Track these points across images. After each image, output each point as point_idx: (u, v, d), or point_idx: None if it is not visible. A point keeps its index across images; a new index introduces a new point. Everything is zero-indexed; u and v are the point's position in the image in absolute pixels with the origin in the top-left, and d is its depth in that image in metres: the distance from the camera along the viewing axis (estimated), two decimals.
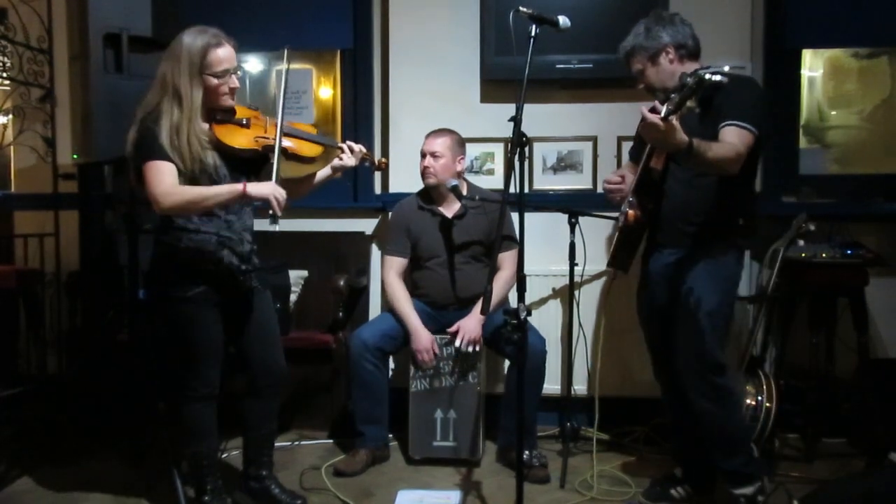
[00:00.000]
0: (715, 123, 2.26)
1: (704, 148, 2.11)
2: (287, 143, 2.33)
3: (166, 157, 2.17)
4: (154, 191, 2.16)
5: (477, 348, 2.93)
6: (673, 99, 1.99)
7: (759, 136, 2.27)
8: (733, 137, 2.22)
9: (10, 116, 3.65)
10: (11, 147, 3.70)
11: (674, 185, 2.44)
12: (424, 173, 3.03)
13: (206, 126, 2.28)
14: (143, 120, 2.22)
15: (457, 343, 2.92)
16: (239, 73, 2.31)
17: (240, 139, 2.28)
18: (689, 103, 1.96)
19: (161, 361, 2.79)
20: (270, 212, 2.15)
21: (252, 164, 2.38)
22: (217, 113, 2.30)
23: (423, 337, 2.95)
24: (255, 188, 2.17)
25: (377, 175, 3.68)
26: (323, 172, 2.50)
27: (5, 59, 3.50)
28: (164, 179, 2.16)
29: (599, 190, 3.44)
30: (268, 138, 2.29)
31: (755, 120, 2.26)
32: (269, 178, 2.20)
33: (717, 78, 1.91)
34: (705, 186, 2.38)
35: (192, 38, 2.23)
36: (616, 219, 2.64)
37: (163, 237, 2.34)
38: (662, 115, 1.99)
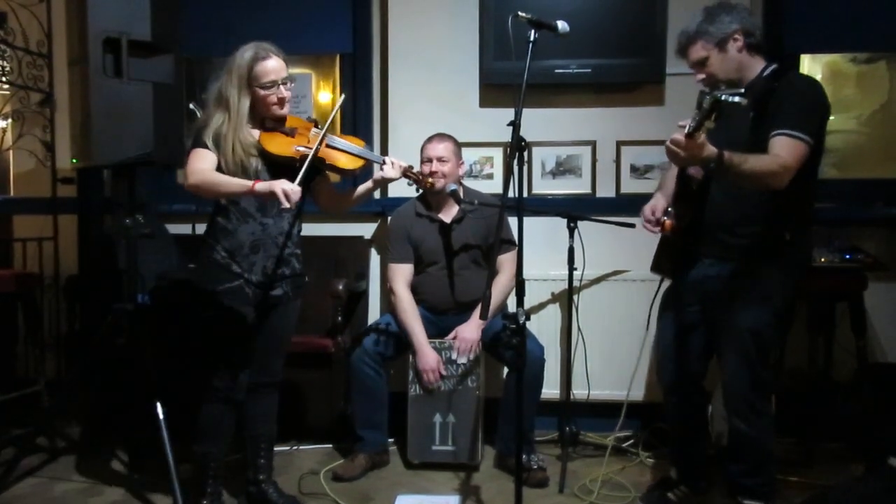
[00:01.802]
0: (768, 130, 2.12)
1: (738, 161, 1.99)
2: (325, 153, 2.40)
3: (208, 148, 2.31)
4: (187, 168, 2.31)
5: (472, 356, 2.93)
6: (694, 117, 1.90)
7: (815, 146, 2.13)
8: (782, 149, 2.07)
9: (10, 120, 3.65)
10: (11, 151, 3.70)
11: (716, 193, 2.31)
12: (431, 178, 3.01)
13: (256, 133, 2.38)
14: (195, 128, 2.36)
15: (453, 356, 2.93)
16: (290, 83, 2.38)
17: (280, 147, 2.37)
18: (707, 124, 1.88)
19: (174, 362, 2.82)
20: (281, 206, 2.19)
21: (296, 173, 2.37)
22: (268, 122, 2.40)
23: (429, 357, 2.93)
24: (263, 185, 2.21)
25: None
26: (366, 185, 2.55)
27: (5, 63, 3.50)
28: (200, 162, 2.30)
29: (599, 194, 3.46)
30: (308, 148, 2.35)
31: (810, 128, 2.10)
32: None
33: (736, 99, 1.82)
34: (749, 196, 2.22)
35: (242, 53, 2.35)
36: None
37: (206, 238, 2.45)
38: (686, 131, 1.91)
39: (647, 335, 2.80)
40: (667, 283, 2.60)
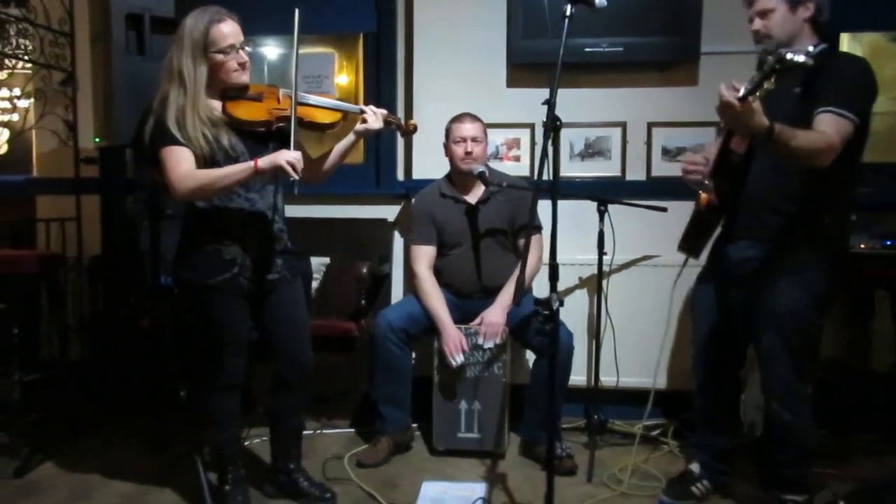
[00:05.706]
0: (813, 107, 2.07)
1: (788, 135, 1.95)
2: (303, 111, 2.28)
3: (178, 143, 2.15)
4: (170, 177, 2.14)
5: (498, 341, 2.87)
6: (753, 79, 1.85)
7: (861, 126, 2.09)
8: (828, 126, 2.03)
9: (32, 100, 3.63)
10: (33, 131, 3.69)
11: (760, 170, 2.25)
12: (466, 159, 2.94)
13: (218, 105, 2.24)
14: (155, 110, 2.19)
15: (480, 340, 2.87)
16: (248, 48, 2.25)
17: (252, 112, 2.25)
18: (766, 84, 1.81)
19: (184, 348, 2.76)
20: (289, 179, 2.10)
21: (272, 138, 2.31)
22: (230, 91, 2.26)
23: (452, 335, 2.87)
24: (266, 160, 2.12)
25: (400, 161, 3.63)
26: (346, 140, 2.43)
27: (27, 42, 3.48)
28: (181, 164, 2.14)
29: (628, 177, 3.38)
30: (282, 109, 2.25)
31: (857, 107, 2.07)
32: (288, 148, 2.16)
33: (801, 59, 1.76)
34: (792, 175, 2.17)
35: (193, 20, 2.19)
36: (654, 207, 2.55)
37: (188, 223, 2.32)
38: (741, 94, 1.86)
39: (670, 321, 2.83)
40: (690, 266, 2.55)
